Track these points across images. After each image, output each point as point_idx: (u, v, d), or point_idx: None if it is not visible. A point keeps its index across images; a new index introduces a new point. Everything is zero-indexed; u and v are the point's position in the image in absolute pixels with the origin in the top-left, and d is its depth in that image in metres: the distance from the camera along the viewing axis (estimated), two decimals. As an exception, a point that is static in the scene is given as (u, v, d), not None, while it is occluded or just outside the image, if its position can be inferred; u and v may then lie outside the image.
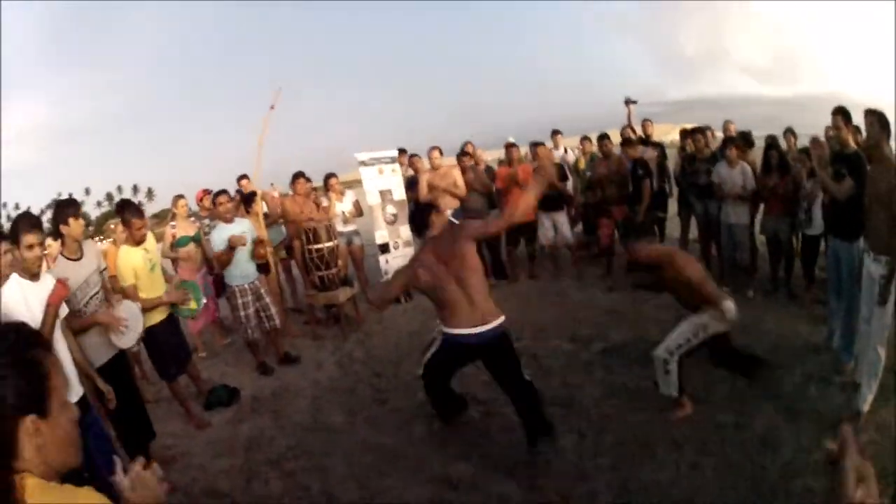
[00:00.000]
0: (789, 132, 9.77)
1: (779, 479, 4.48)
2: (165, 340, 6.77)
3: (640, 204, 9.97)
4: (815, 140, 6.95)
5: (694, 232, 10.59)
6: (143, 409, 6.08)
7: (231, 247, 7.67)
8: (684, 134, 10.56)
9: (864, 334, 5.48)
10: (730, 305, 5.58)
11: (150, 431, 5.95)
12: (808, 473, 4.48)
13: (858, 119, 5.86)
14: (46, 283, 4.53)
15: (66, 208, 5.42)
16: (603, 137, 10.51)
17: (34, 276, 4.42)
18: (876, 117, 5.40)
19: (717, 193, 8.85)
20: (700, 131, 9.69)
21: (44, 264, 4.87)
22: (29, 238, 4.31)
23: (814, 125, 8.81)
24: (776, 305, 8.37)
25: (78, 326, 5.29)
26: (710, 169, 8.97)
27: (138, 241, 6.63)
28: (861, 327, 5.53)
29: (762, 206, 8.79)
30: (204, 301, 8.09)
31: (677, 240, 11.13)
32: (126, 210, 6.63)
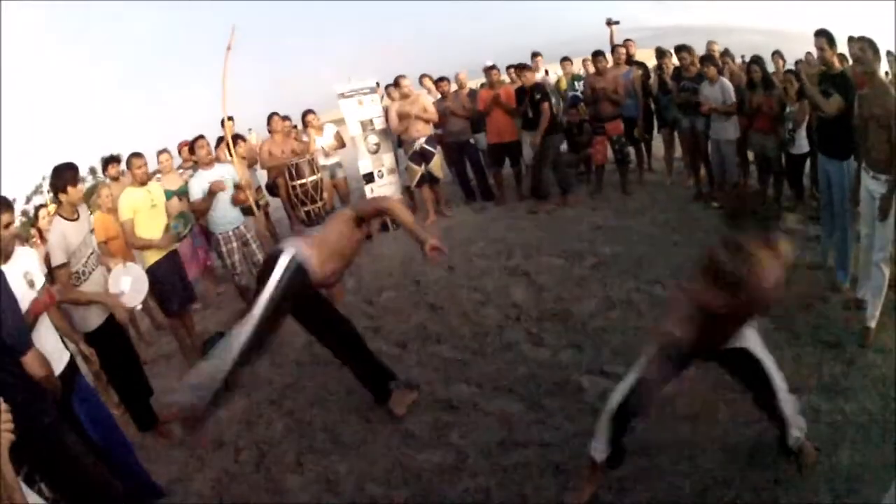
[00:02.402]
0: (777, 54, 9.67)
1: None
2: (167, 276, 6.80)
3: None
4: (805, 58, 6.94)
5: (678, 150, 10.53)
6: (140, 368, 6.06)
7: (211, 192, 7.56)
8: (660, 53, 10.55)
9: (864, 250, 5.51)
10: None
11: (147, 389, 5.96)
12: (812, 392, 4.52)
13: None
14: (19, 257, 4.48)
15: (64, 173, 5.30)
16: (597, 54, 10.39)
17: (7, 256, 4.36)
18: (867, 43, 5.38)
19: (701, 109, 8.81)
20: (685, 49, 9.62)
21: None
22: (5, 217, 4.23)
23: (800, 55, 9.05)
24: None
25: (75, 299, 5.26)
26: (696, 87, 8.91)
27: (141, 182, 6.72)
28: (862, 243, 5.56)
29: (749, 124, 8.68)
30: (192, 225, 8.13)
31: (662, 158, 11.19)
32: (128, 157, 6.95)
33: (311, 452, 5.06)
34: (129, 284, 5.69)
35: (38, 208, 8.77)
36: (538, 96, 9.98)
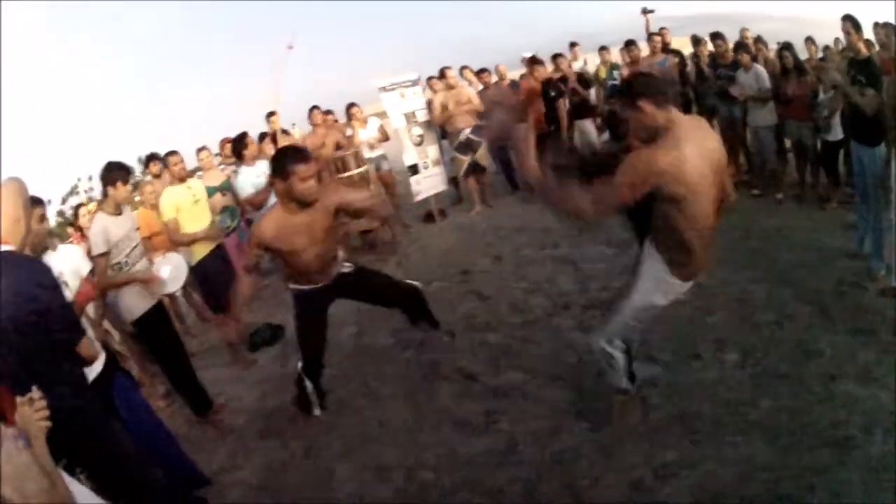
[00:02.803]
0: (809, 40, 9.62)
1: (819, 385, 4.46)
2: (215, 272, 6.84)
3: None
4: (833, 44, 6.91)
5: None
6: (187, 357, 6.08)
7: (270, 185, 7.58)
8: (696, 41, 10.53)
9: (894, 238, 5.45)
10: None
11: (195, 378, 5.99)
12: (848, 379, 4.46)
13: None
14: (58, 257, 4.56)
15: (117, 171, 5.45)
16: (629, 43, 10.36)
17: (38, 252, 4.40)
18: (891, 28, 5.37)
19: (732, 95, 8.80)
20: (720, 36, 9.57)
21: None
22: (38, 210, 4.24)
23: (828, 41, 9.08)
24: (806, 210, 8.29)
25: (113, 283, 5.42)
26: (733, 75, 8.87)
27: (180, 178, 6.81)
28: (895, 228, 5.49)
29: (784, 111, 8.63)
30: (238, 220, 8.31)
31: None
32: (164, 156, 7.18)
33: (361, 440, 5.08)
34: (168, 272, 5.78)
35: (77, 207, 8.87)
36: (553, 93, 9.99)
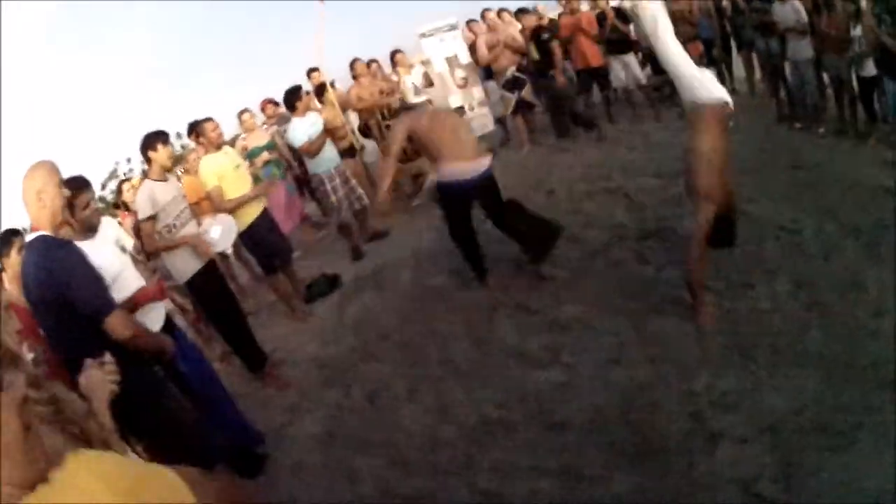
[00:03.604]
0: None
1: (867, 318, 4.40)
2: (263, 235, 6.86)
3: None
4: None
5: (758, 72, 10.51)
6: (242, 315, 6.16)
7: (325, 131, 7.86)
8: None
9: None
10: None
11: (251, 336, 6.04)
12: (893, 316, 4.37)
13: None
14: (104, 228, 4.59)
15: (153, 137, 5.56)
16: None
17: (90, 231, 4.44)
18: None
19: (774, 30, 8.70)
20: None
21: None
22: (83, 197, 4.27)
23: None
24: (847, 145, 8.18)
25: (161, 246, 5.52)
26: (768, 8, 8.80)
27: (217, 146, 6.80)
28: None
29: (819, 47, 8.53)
30: (285, 168, 8.72)
31: (744, 79, 11.09)
32: (196, 125, 7.14)
33: (425, 381, 5.11)
34: (218, 232, 5.84)
35: (121, 182, 8.95)
36: (545, 36, 10.05)
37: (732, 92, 10.83)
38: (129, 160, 17.84)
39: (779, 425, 3.66)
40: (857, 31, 7.59)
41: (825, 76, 8.75)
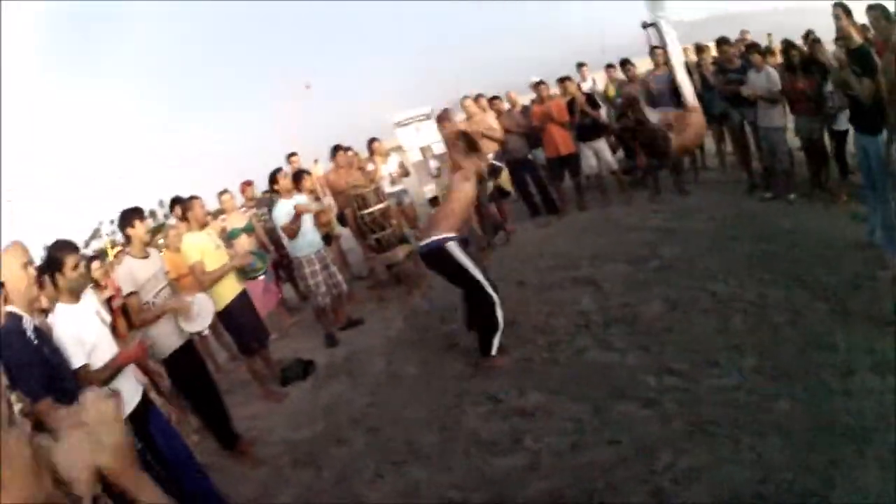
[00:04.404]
0: (810, 33, 9.70)
1: (836, 378, 4.56)
2: (241, 316, 7.01)
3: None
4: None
5: (729, 144, 10.76)
6: (217, 391, 6.28)
7: (297, 214, 7.89)
8: (699, 49, 10.82)
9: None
10: None
11: (225, 411, 6.17)
12: (864, 371, 4.56)
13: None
14: (87, 297, 4.81)
15: (131, 213, 5.76)
16: (625, 62, 10.59)
17: (77, 297, 4.64)
18: (879, 10, 5.49)
19: (743, 94, 8.89)
20: (726, 42, 9.71)
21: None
22: (70, 260, 4.48)
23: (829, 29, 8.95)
24: (817, 207, 8.43)
25: (149, 317, 5.60)
26: (742, 79, 8.98)
27: (202, 224, 6.98)
28: None
29: (792, 108, 8.79)
30: (268, 262, 8.57)
31: (713, 153, 11.44)
32: (184, 201, 7.26)
33: (391, 465, 5.21)
34: (195, 310, 5.88)
35: (90, 259, 9.03)
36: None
37: (704, 168, 11.16)
38: (112, 221, 18.00)
39: (741, 495, 3.77)
40: (828, 87, 7.87)
41: (796, 140, 9.00)
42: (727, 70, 9.32)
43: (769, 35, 10.04)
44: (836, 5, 6.22)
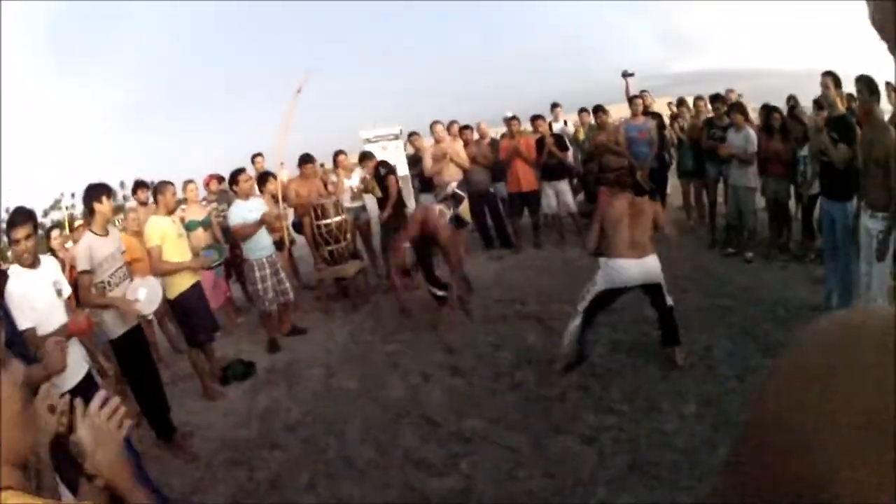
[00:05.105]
0: (792, 98, 9.84)
1: None
2: (193, 307, 6.99)
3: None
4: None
5: (693, 199, 10.95)
6: (160, 381, 6.29)
7: (262, 221, 7.96)
8: (680, 102, 11.00)
9: (864, 287, 5.67)
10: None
11: (165, 402, 6.18)
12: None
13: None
14: (47, 266, 4.79)
15: (99, 189, 5.73)
16: (598, 109, 10.69)
17: (31, 264, 4.65)
18: (864, 83, 5.61)
19: (719, 152, 9.07)
20: (720, 99, 9.85)
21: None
22: (22, 231, 4.53)
23: (807, 95, 9.05)
24: (774, 267, 8.57)
25: (96, 302, 5.62)
26: (724, 136, 9.11)
27: (170, 210, 6.99)
28: (862, 281, 5.72)
29: (764, 169, 8.89)
30: (226, 256, 8.73)
31: (679, 207, 11.54)
32: (158, 184, 7.15)
33: (326, 476, 5.22)
34: (143, 294, 5.88)
35: (50, 228, 8.94)
36: (383, 171, 10.34)
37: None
38: (73, 195, 17.83)
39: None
40: (803, 152, 8.05)
41: (762, 199, 9.16)
42: (714, 126, 9.46)
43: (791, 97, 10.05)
44: (825, 74, 6.37)
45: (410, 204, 11.03)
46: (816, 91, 6.99)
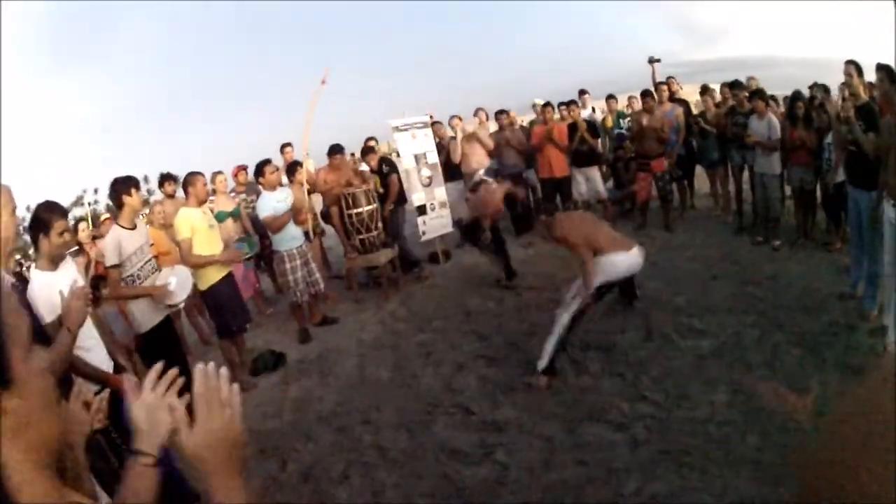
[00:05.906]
0: (816, 86, 9.70)
1: (808, 422, 4.54)
2: (225, 298, 7.00)
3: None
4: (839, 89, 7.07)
5: (720, 187, 10.87)
6: (190, 376, 6.22)
7: (292, 210, 8.01)
8: (704, 90, 10.84)
9: (887, 279, 5.58)
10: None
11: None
12: (836, 418, 4.54)
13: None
14: (67, 266, 4.72)
15: (128, 181, 5.74)
16: (647, 94, 10.52)
17: (55, 263, 4.58)
18: (885, 72, 5.53)
19: (745, 141, 8.93)
20: (739, 86, 9.74)
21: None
22: (59, 224, 4.43)
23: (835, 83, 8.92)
24: (801, 256, 8.48)
25: (126, 294, 5.67)
26: (747, 123, 8.99)
27: (201, 202, 6.97)
28: (886, 271, 5.63)
29: (789, 158, 8.78)
30: (256, 249, 8.79)
31: (707, 194, 11.48)
32: (187, 176, 7.05)
33: (359, 466, 5.19)
34: (174, 283, 5.89)
35: (77, 221, 8.93)
36: (386, 169, 10.45)
37: (692, 208, 11.20)
38: (96, 190, 17.79)
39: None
40: (827, 140, 7.92)
41: (787, 188, 9.11)
42: (737, 113, 9.34)
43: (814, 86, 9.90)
44: (848, 63, 6.28)
45: (416, 197, 10.93)
46: (832, 79, 6.91)
